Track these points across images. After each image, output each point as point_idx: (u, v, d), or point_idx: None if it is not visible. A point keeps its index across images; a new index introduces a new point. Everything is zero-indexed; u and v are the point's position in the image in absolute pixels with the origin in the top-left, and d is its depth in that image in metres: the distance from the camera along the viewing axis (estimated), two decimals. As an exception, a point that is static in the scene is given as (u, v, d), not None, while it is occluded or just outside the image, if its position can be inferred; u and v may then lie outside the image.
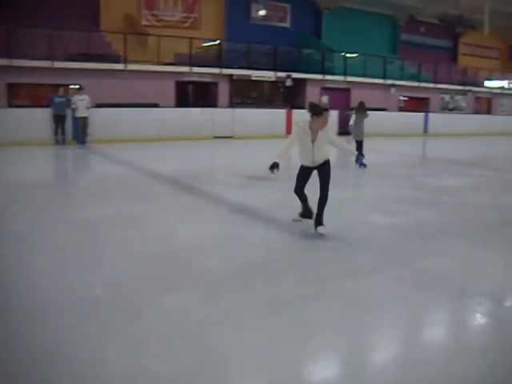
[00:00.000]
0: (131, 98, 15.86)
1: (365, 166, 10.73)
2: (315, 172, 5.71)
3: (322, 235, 5.54)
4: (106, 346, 3.06)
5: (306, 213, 6.11)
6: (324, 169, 5.70)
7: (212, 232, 5.86)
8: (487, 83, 28.97)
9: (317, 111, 5.44)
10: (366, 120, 11.69)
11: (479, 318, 3.80)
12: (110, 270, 4.40)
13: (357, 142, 11.41)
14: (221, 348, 3.04)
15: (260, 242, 5.46)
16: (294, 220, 6.16)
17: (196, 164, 12.08)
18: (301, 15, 23.74)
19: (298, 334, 3.30)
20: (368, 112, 11.77)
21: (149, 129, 15.87)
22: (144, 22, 20.58)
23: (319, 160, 5.69)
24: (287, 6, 23.77)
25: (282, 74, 19.52)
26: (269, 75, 19.43)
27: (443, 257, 5.18)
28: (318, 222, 5.61)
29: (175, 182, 9.04)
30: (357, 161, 9.88)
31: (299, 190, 5.89)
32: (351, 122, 11.65)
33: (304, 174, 5.84)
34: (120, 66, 16.23)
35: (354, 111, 11.96)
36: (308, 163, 5.73)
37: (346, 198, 7.93)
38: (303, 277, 4.47)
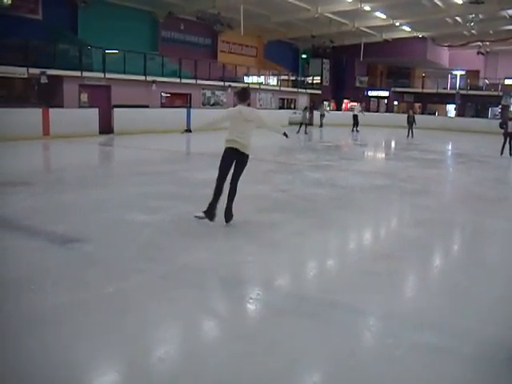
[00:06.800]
0: None
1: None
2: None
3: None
4: None
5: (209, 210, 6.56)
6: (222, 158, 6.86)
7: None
8: (246, 79, 32.54)
9: None
10: None
11: (243, 305, 4.34)
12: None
13: None
14: None
15: (12, 252, 5.49)
16: (197, 216, 6.55)
17: None
18: (54, 7, 23.36)
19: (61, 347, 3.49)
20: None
21: None
22: None
23: None
24: (39, -4, 23.41)
25: (36, 71, 19.33)
26: (20, 72, 19.05)
27: (205, 250, 5.68)
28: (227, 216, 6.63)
29: None
30: None
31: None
32: None
33: None
34: None
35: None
36: None
37: (105, 199, 8.41)
38: (59, 286, 4.58)
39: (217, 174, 6.68)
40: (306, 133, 27.21)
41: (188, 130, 6.86)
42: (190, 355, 3.53)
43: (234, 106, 6.85)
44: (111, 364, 3.45)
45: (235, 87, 30.01)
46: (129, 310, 4.15)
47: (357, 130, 29.06)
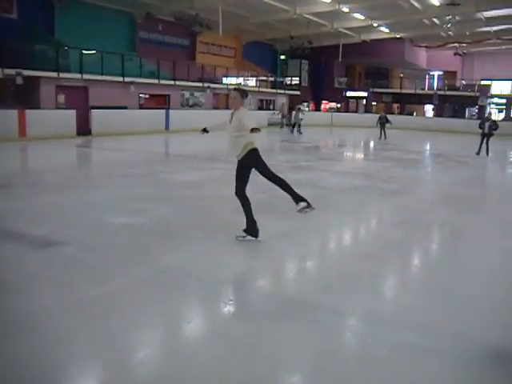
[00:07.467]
0: None
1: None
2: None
3: (301, 210, 5.93)
4: None
5: (249, 226, 5.92)
6: (253, 161, 5.82)
7: None
8: (224, 80, 32.54)
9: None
10: None
11: (225, 307, 4.34)
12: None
13: None
14: None
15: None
16: (239, 237, 6.02)
17: None
18: (30, 6, 23.01)
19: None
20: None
21: None
22: None
23: (235, 150, 5.80)
24: (14, -6, 23.06)
25: (11, 71, 19.02)
26: (-5, 72, 18.85)
27: (186, 252, 5.71)
28: (296, 199, 5.96)
29: None
30: None
31: (238, 192, 5.92)
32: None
33: (238, 169, 5.86)
34: None
35: None
36: (231, 154, 5.89)
37: (85, 201, 8.37)
38: (41, 290, 4.54)
39: (239, 183, 6.00)
40: (300, 132, 27.47)
41: (204, 131, 6.40)
42: (171, 358, 3.53)
43: (231, 105, 6.08)
44: (93, 367, 3.45)
45: (214, 88, 30.10)
46: (110, 312, 4.13)
47: (299, 132, 28.17)
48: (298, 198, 6.02)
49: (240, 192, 5.99)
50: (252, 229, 6.03)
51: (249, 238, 6.06)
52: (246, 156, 5.90)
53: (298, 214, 6.14)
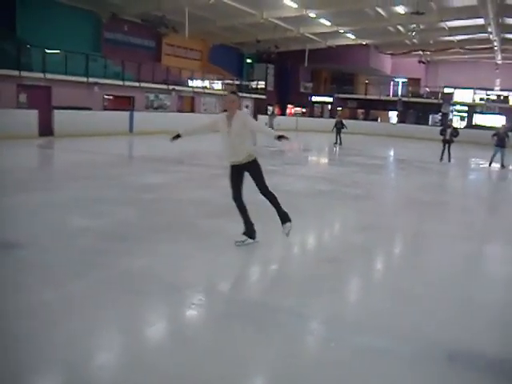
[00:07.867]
0: None
1: None
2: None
3: (287, 233, 5.99)
4: None
5: (247, 230, 6.05)
6: (253, 168, 5.79)
7: None
8: (190, 83, 32.41)
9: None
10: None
11: (187, 311, 4.37)
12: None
13: None
14: None
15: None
16: (237, 242, 6.06)
17: None
18: (-11, 2, 22.74)
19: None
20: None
21: None
22: None
23: (237, 155, 5.71)
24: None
25: (-30, 69, 18.73)
26: (-48, 70, 18.38)
27: (149, 255, 5.67)
28: (283, 219, 6.00)
29: None
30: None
31: (236, 196, 5.91)
32: None
33: (234, 174, 5.85)
34: None
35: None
36: (231, 159, 5.78)
37: (44, 203, 8.18)
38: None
39: (236, 188, 6.06)
40: None
41: (177, 137, 6.32)
42: (131, 362, 3.51)
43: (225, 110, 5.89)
44: (51, 372, 3.40)
45: (179, 91, 29.95)
46: (69, 316, 4.08)
47: None
48: (284, 218, 6.12)
49: (237, 197, 6.08)
50: (251, 230, 6.15)
51: (248, 241, 6.17)
52: (248, 163, 5.90)
53: (258, 218, 6.22)
